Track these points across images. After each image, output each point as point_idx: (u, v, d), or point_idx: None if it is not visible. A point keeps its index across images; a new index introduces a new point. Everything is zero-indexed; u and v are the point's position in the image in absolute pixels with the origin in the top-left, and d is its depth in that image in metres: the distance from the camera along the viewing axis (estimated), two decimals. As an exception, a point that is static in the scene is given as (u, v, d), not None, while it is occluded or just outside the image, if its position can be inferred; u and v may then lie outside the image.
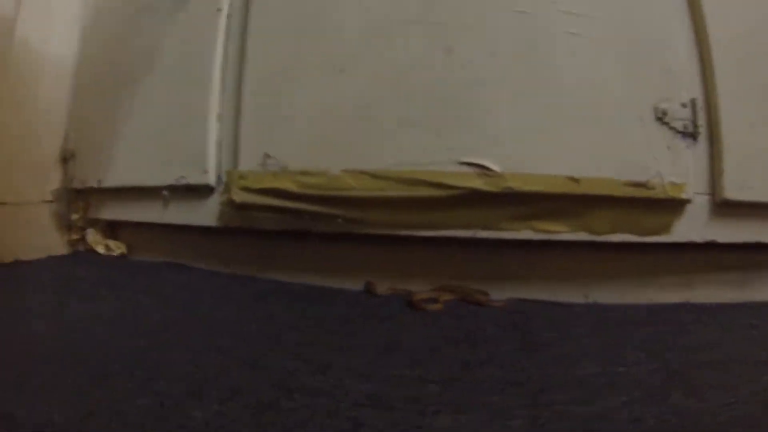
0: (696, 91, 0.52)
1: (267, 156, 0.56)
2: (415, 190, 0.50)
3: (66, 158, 0.80)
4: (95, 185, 0.75)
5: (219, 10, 0.62)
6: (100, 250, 0.78)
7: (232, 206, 0.58)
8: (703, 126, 0.51)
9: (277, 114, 0.57)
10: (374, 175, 0.51)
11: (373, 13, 0.55)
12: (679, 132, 0.51)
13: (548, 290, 0.53)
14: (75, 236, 0.81)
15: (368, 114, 0.54)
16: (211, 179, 0.60)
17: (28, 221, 0.76)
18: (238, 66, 0.61)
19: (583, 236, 0.51)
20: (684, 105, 0.51)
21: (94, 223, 0.80)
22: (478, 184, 0.49)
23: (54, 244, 0.79)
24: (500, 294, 0.52)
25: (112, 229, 0.81)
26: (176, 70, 0.64)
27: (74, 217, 0.80)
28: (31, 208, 0.77)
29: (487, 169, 0.50)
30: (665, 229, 0.50)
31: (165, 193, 0.66)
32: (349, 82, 0.55)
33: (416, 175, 0.51)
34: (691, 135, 0.51)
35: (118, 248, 0.77)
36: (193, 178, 0.62)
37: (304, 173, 0.53)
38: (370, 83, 0.54)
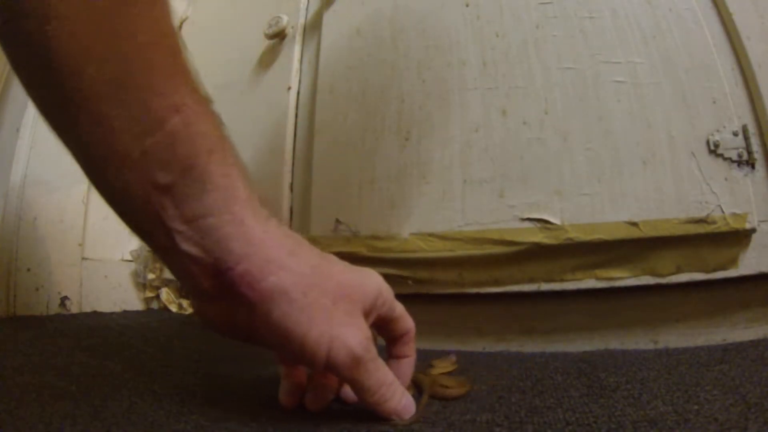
0: (746, 118, 0.52)
1: (338, 222, 0.59)
2: (480, 248, 0.52)
3: (145, 223, 0.87)
4: (172, 248, 0.80)
5: (289, 88, 0.68)
6: (173, 308, 0.82)
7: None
8: (758, 152, 0.50)
9: (346, 182, 0.60)
10: (442, 237, 0.53)
11: (430, 84, 0.60)
12: (735, 161, 0.50)
13: (615, 338, 0.52)
14: (150, 294, 0.86)
15: (433, 178, 0.57)
16: (283, 239, 0.64)
17: (107, 276, 0.82)
18: (307, 138, 0.65)
19: (647, 280, 0.50)
20: (735, 133, 0.51)
21: (169, 282, 0.85)
22: (540, 237, 0.51)
23: (130, 299, 0.85)
24: (567, 346, 0.52)
25: (185, 289, 0.85)
26: (251, 143, 0.69)
27: (150, 276, 0.86)
28: (111, 265, 0.83)
29: (548, 222, 0.51)
30: (732, 262, 0.49)
31: (238, 253, 0.69)
32: (413, 148, 0.59)
33: (482, 234, 0.53)
34: (747, 162, 0.50)
35: (190, 307, 0.81)
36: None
37: (374, 237, 0.56)
38: (433, 149, 0.58)
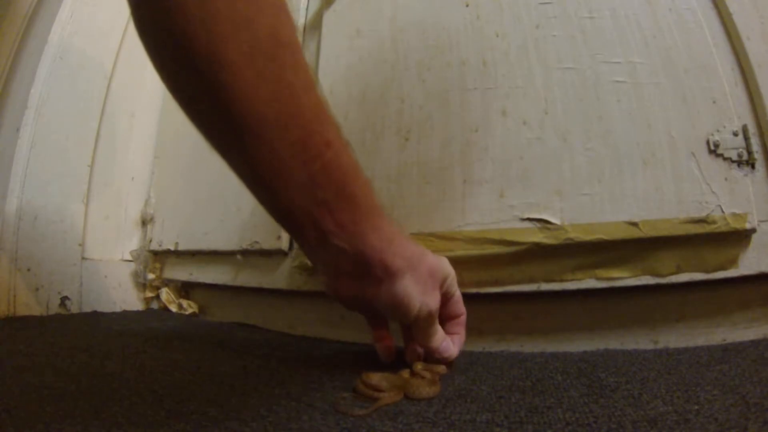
0: (746, 118, 0.51)
1: (339, 222, 0.59)
2: (480, 248, 0.52)
3: (145, 221, 0.87)
4: (172, 248, 0.80)
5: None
6: (173, 308, 0.83)
7: (305, 270, 0.61)
8: (758, 152, 0.50)
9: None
10: (442, 237, 0.53)
11: (430, 84, 0.60)
12: (735, 161, 0.50)
13: (615, 338, 0.52)
14: (150, 294, 0.87)
15: (433, 178, 0.57)
16: (284, 245, 0.64)
17: (107, 277, 0.82)
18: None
19: (647, 280, 0.50)
20: (735, 133, 0.50)
21: (169, 282, 0.86)
22: (540, 237, 0.51)
23: (130, 299, 0.85)
24: (567, 346, 0.52)
25: (185, 289, 0.85)
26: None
27: (150, 276, 0.86)
28: (111, 265, 0.83)
29: (548, 222, 0.51)
30: (732, 262, 0.49)
31: (239, 257, 0.70)
32: (414, 147, 0.59)
33: (482, 234, 0.53)
34: (747, 162, 0.50)
35: (190, 307, 0.82)
36: (267, 244, 0.65)
37: (374, 238, 0.56)
38: (433, 149, 0.58)
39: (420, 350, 0.45)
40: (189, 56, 0.27)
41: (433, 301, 0.41)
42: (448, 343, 0.44)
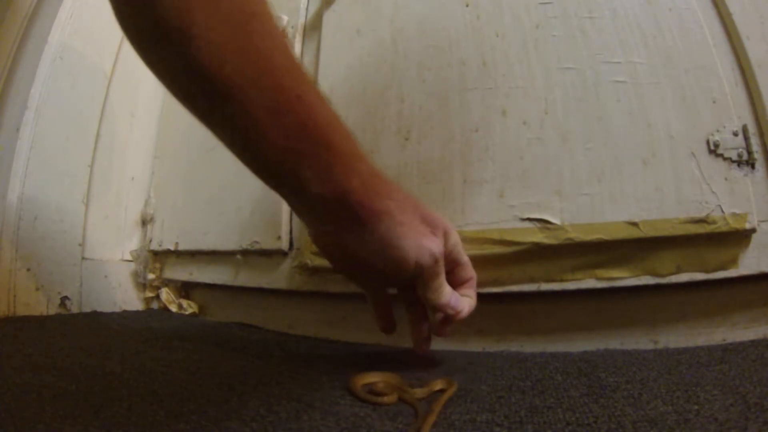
0: (746, 118, 0.51)
1: (339, 222, 0.59)
2: (480, 248, 0.52)
3: (145, 222, 0.87)
4: (171, 248, 0.80)
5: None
6: (173, 308, 0.82)
7: (305, 270, 0.61)
8: (758, 152, 0.50)
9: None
10: (442, 236, 0.53)
11: (430, 84, 0.60)
12: (735, 161, 0.50)
13: (615, 338, 0.52)
14: (150, 294, 0.86)
15: (433, 178, 0.57)
16: (284, 245, 0.64)
17: (107, 277, 0.82)
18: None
19: (647, 280, 0.50)
20: (735, 133, 0.50)
21: (169, 282, 0.86)
22: (540, 237, 0.51)
23: (130, 299, 0.85)
24: (567, 346, 0.52)
25: (185, 289, 0.85)
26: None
27: (150, 276, 0.86)
28: (111, 265, 0.83)
29: (548, 222, 0.51)
30: (732, 262, 0.49)
31: (238, 257, 0.70)
32: (413, 148, 0.59)
33: (482, 234, 0.53)
34: (747, 162, 0.50)
35: (190, 307, 0.82)
36: (267, 244, 0.65)
37: (374, 237, 0.56)
38: (433, 149, 0.58)
39: (425, 330, 0.45)
40: (161, 30, 0.30)
41: (436, 246, 0.39)
42: (458, 297, 0.43)
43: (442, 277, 0.41)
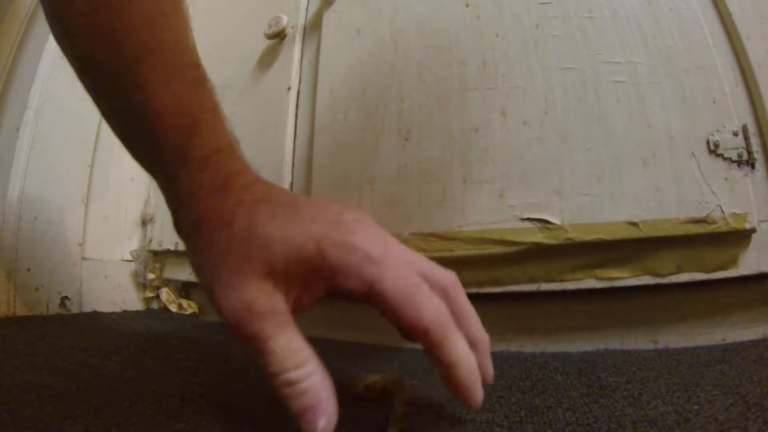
0: (746, 118, 0.51)
1: (339, 222, 0.58)
2: (480, 248, 0.52)
3: (145, 222, 0.87)
4: (171, 248, 0.80)
5: (289, 88, 0.69)
6: (173, 308, 0.82)
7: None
8: (758, 152, 0.50)
9: (346, 182, 0.60)
10: (442, 237, 0.53)
11: (430, 84, 0.60)
12: (735, 161, 0.50)
13: (615, 338, 0.52)
14: (150, 294, 0.86)
15: (433, 178, 0.57)
16: (283, 243, 0.63)
17: (107, 277, 0.82)
18: (307, 138, 0.66)
19: (647, 280, 0.50)
20: (735, 133, 0.51)
21: (169, 282, 0.86)
22: (540, 237, 0.51)
23: (130, 299, 0.85)
24: (567, 346, 0.52)
25: (185, 289, 0.85)
26: (251, 143, 0.69)
27: (150, 276, 0.86)
28: (111, 265, 0.83)
29: (548, 222, 0.51)
30: (732, 262, 0.49)
31: (239, 255, 0.69)
32: (413, 148, 0.59)
33: (482, 234, 0.53)
34: (747, 162, 0.50)
35: (190, 307, 0.82)
36: (267, 242, 0.65)
37: (375, 237, 0.56)
38: (433, 149, 0.58)
39: None
40: (51, 16, 0.30)
41: (237, 295, 0.25)
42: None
43: (272, 342, 0.25)
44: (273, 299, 0.25)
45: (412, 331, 0.24)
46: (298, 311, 0.27)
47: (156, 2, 0.29)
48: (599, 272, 0.51)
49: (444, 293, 0.28)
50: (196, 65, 0.31)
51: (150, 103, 0.28)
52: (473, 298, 0.49)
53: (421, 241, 0.54)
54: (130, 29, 0.28)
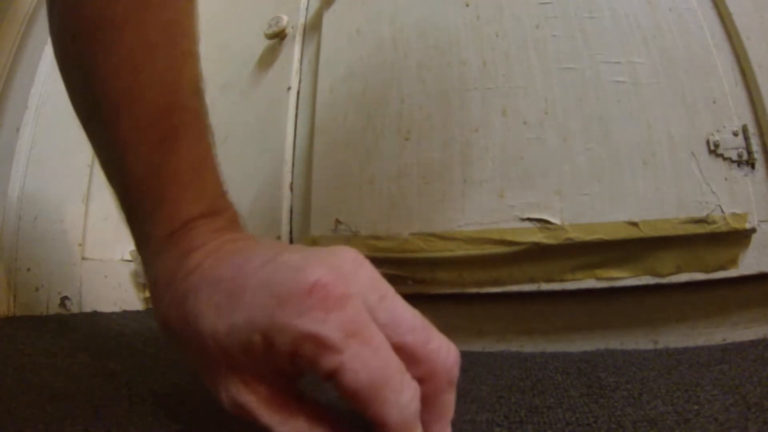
0: (746, 118, 0.52)
1: (338, 222, 0.59)
2: (480, 248, 0.52)
3: (145, 223, 0.87)
4: (172, 248, 0.80)
5: (289, 88, 0.69)
6: (174, 307, 0.82)
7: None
8: (758, 152, 0.50)
9: (346, 182, 0.60)
10: (442, 237, 0.53)
11: (430, 84, 0.60)
12: (735, 161, 0.50)
13: (615, 338, 0.52)
14: (149, 294, 0.86)
15: (433, 178, 0.57)
16: (283, 244, 0.64)
17: (107, 276, 0.82)
18: (307, 138, 0.66)
19: (647, 280, 0.50)
20: (735, 133, 0.51)
21: (169, 282, 0.85)
22: (540, 237, 0.51)
23: (130, 299, 0.84)
24: (567, 346, 0.52)
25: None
26: (251, 143, 0.69)
27: (150, 276, 0.86)
28: (111, 265, 0.83)
29: (548, 222, 0.51)
30: (732, 262, 0.49)
31: (238, 257, 0.69)
32: (413, 148, 0.59)
33: (481, 234, 0.53)
34: (747, 162, 0.50)
35: (190, 306, 0.81)
36: (266, 243, 0.65)
37: (374, 237, 0.56)
38: (433, 149, 0.58)
39: None
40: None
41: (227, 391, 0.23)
42: None
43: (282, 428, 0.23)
44: (253, 390, 0.23)
45: (373, 424, 0.22)
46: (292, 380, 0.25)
47: (142, 32, 0.27)
48: (599, 272, 0.51)
49: (429, 376, 0.24)
50: (182, 106, 0.28)
51: (123, 165, 0.27)
52: (473, 298, 0.49)
53: (421, 241, 0.54)
54: (115, 69, 0.26)
